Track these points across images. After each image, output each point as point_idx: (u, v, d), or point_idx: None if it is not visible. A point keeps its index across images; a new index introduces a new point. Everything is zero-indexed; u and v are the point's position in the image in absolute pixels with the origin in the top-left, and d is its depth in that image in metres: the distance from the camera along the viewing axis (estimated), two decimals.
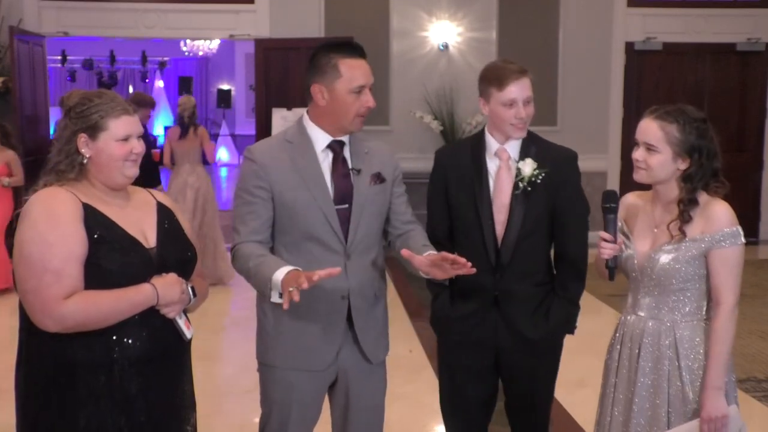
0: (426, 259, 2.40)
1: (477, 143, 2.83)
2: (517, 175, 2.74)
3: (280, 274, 2.29)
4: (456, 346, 2.84)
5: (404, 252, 2.44)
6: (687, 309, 2.46)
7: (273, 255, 2.46)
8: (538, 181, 2.71)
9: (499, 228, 2.75)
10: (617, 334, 2.62)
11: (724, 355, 2.38)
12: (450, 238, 2.86)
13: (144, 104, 6.95)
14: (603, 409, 2.64)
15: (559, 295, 2.81)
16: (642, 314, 2.52)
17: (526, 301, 2.77)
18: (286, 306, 2.22)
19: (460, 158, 2.83)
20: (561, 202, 2.76)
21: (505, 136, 2.75)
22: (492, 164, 2.78)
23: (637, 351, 2.51)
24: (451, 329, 2.84)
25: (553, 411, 3.00)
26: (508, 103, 2.68)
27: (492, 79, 2.72)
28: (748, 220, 9.25)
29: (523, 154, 2.75)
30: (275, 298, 2.32)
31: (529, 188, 2.72)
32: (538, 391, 2.87)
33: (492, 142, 2.78)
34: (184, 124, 7.37)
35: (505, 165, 2.76)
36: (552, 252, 2.89)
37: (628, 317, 2.58)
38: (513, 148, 2.77)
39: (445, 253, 2.37)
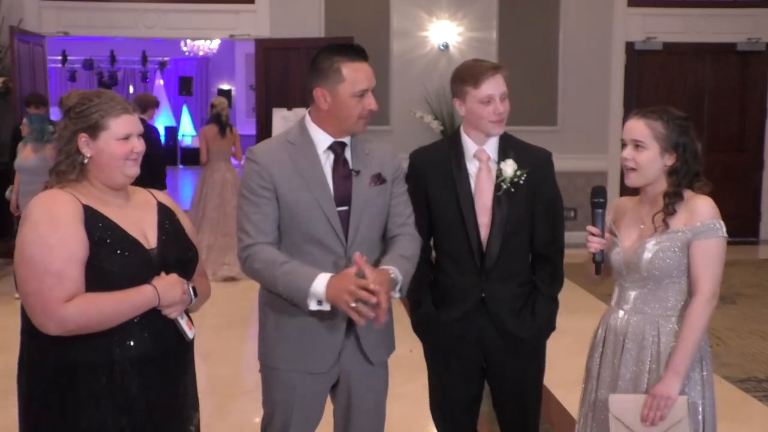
0: (371, 278, 2.34)
1: (454, 145, 2.82)
2: (498, 176, 2.75)
3: (320, 285, 2.35)
4: (444, 350, 2.85)
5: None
6: (670, 303, 2.49)
7: (295, 260, 2.44)
8: (521, 182, 2.73)
9: (483, 230, 2.76)
10: (600, 330, 2.64)
11: (692, 341, 2.41)
12: (429, 239, 2.86)
13: (151, 105, 7.26)
14: (586, 401, 2.65)
15: (541, 293, 2.83)
16: (627, 308, 2.55)
17: (513, 301, 2.79)
18: (362, 323, 2.36)
19: (439, 160, 2.82)
20: (540, 202, 2.79)
21: (484, 133, 2.76)
22: (472, 166, 2.79)
23: (621, 344, 2.53)
24: (439, 333, 2.83)
25: (553, 411, 3.01)
26: (486, 100, 2.70)
27: (467, 77, 2.74)
28: (748, 220, 9.27)
29: (502, 155, 2.77)
30: (313, 306, 2.38)
31: (512, 189, 2.73)
32: (527, 390, 2.89)
33: (469, 144, 2.79)
34: (221, 124, 7.71)
35: (485, 166, 2.77)
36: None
37: (613, 313, 2.60)
38: (491, 149, 2.78)
39: (376, 290, 2.30)
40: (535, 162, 2.79)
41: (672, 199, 2.47)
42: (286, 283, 2.40)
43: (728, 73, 9.33)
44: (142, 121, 7.71)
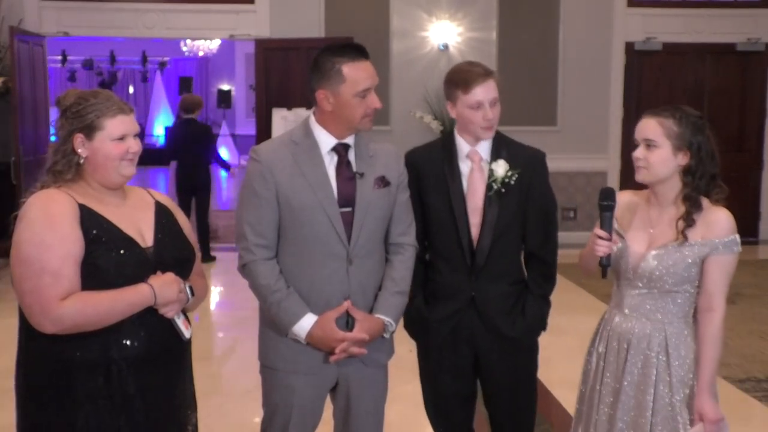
0: (360, 326, 2.50)
1: (447, 145, 2.83)
2: (490, 177, 2.76)
3: (301, 330, 2.46)
4: (435, 348, 2.85)
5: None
6: (675, 310, 2.47)
7: (288, 289, 2.49)
8: (512, 182, 2.73)
9: (474, 230, 2.76)
10: (600, 332, 2.62)
11: (715, 360, 2.42)
12: (424, 239, 2.86)
13: (197, 106, 8.19)
14: (587, 408, 2.63)
15: (533, 292, 2.83)
16: (629, 313, 2.53)
17: (503, 301, 2.79)
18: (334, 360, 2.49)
19: (432, 160, 2.83)
20: (532, 202, 2.79)
21: (475, 137, 2.77)
22: (464, 166, 2.80)
23: (625, 350, 2.51)
24: (429, 331, 2.84)
25: (553, 411, 3.00)
26: (475, 106, 2.70)
27: (458, 82, 2.74)
28: (748, 220, 9.25)
29: (495, 155, 2.78)
30: (291, 336, 2.49)
31: (503, 189, 2.73)
32: (520, 390, 2.88)
33: (462, 144, 2.80)
34: None
35: (478, 167, 2.78)
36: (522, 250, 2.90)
37: (615, 316, 2.58)
38: (484, 149, 2.79)
39: (363, 338, 2.49)
40: (527, 162, 2.79)
41: (691, 210, 2.42)
42: (272, 313, 2.50)
43: (728, 73, 9.32)
44: (194, 121, 8.14)
